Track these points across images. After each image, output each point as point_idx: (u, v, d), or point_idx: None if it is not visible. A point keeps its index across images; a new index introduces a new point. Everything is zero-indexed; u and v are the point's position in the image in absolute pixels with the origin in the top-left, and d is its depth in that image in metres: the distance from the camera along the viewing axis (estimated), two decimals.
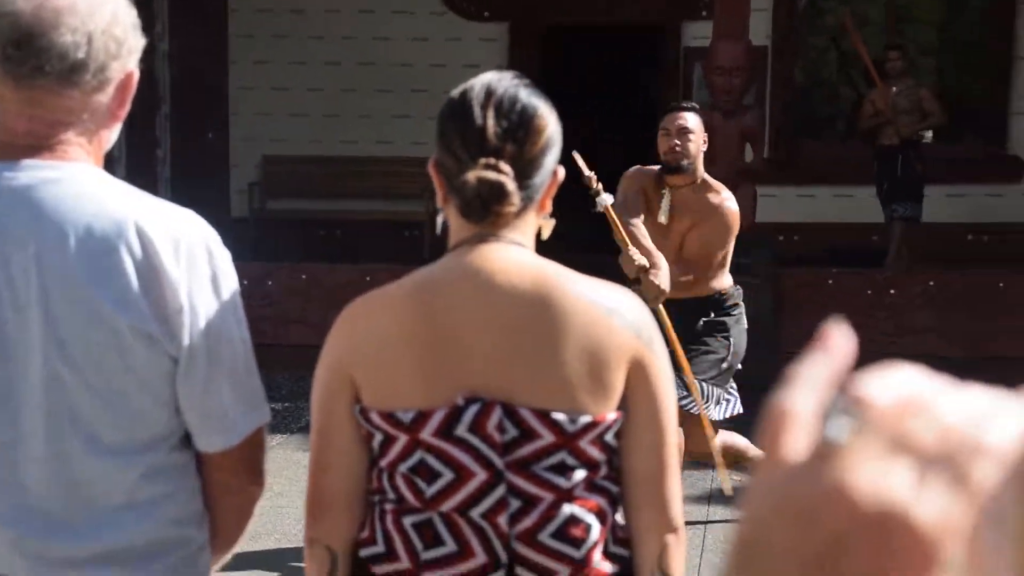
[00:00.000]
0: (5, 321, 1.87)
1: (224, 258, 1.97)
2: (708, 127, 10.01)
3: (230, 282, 1.97)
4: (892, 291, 10.09)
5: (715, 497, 6.60)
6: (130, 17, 1.94)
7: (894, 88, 10.75)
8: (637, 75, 13.51)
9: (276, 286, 9.99)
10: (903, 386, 0.58)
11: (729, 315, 5.89)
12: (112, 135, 1.99)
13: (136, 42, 1.95)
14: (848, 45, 11.83)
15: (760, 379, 10.88)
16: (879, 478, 0.55)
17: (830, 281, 10.18)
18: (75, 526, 1.92)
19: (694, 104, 6.06)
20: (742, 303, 6.04)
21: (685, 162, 5.71)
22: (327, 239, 12.22)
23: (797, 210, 12.03)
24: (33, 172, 1.88)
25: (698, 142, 5.79)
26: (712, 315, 5.84)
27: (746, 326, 5.98)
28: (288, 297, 9.88)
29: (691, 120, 5.76)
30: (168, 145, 11.96)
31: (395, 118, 12.32)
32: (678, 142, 5.71)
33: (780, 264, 10.35)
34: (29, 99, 1.88)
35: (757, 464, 0.59)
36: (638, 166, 5.92)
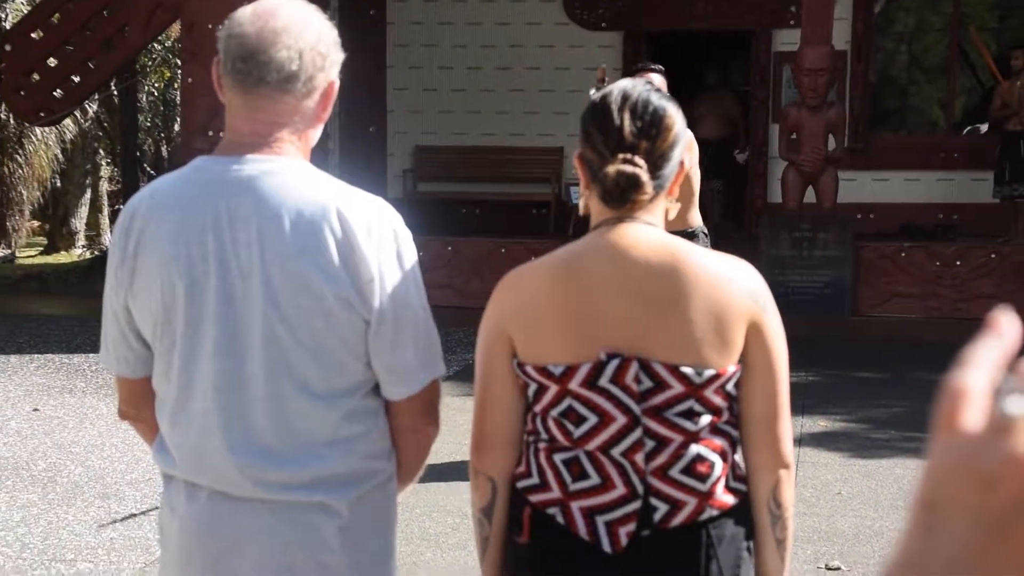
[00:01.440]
0: (233, 286, 1.91)
1: (407, 238, 1.99)
2: (797, 121, 9.91)
3: (412, 257, 1.99)
4: (958, 263, 9.84)
5: (805, 439, 6.52)
6: (332, 35, 1.97)
7: (1018, 82, 10.46)
8: (732, 75, 13.32)
9: (426, 256, 10.02)
10: None
11: None
12: (316, 134, 2.02)
13: (337, 56, 1.98)
14: (973, 48, 11.61)
15: (842, 337, 10.77)
16: None
17: (903, 254, 9.96)
18: (289, 457, 1.95)
19: (660, 66, 5.95)
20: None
21: None
22: (468, 216, 12.29)
23: (873, 192, 11.79)
24: (255, 165, 1.92)
25: None
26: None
27: None
28: (436, 265, 9.97)
29: (656, 80, 5.65)
30: (337, 138, 12.11)
31: (526, 114, 12.32)
32: None
33: (859, 238, 10.14)
34: (252, 105, 1.92)
35: (937, 435, 0.58)
36: None
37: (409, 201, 12.38)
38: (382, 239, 1.94)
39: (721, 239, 10.29)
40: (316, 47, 1.92)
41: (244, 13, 1.92)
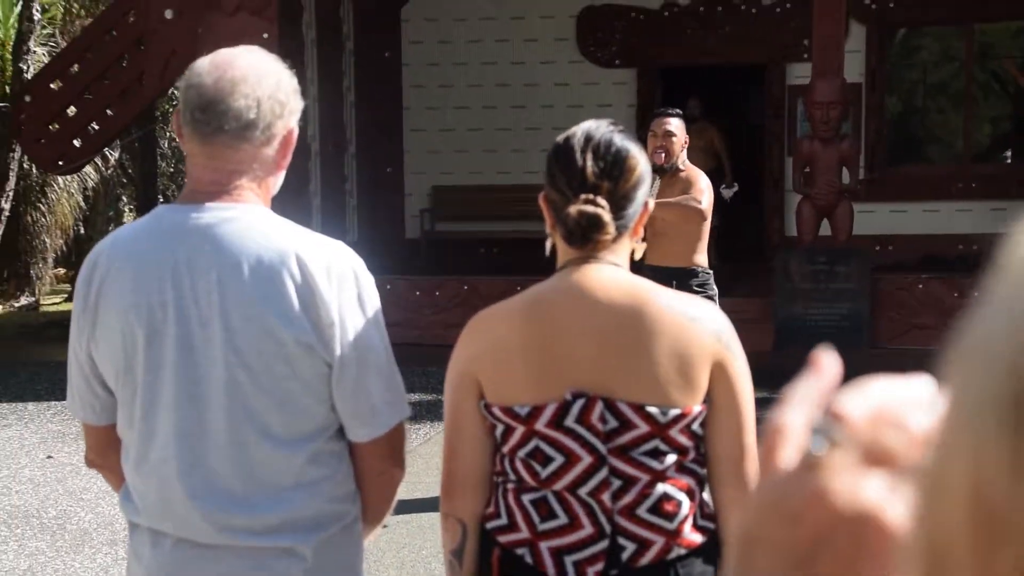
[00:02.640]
0: (192, 334, 1.93)
1: (368, 281, 2.00)
2: (810, 153, 9.89)
3: (373, 300, 2.00)
4: (976, 294, 9.76)
5: None
6: (292, 84, 1.99)
7: None
8: (747, 108, 13.34)
9: (443, 296, 10.10)
10: (878, 400, 0.58)
11: (703, 293, 5.71)
12: (277, 182, 2.03)
13: (296, 104, 1.99)
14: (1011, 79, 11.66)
15: (860, 369, 10.78)
16: (855, 485, 0.55)
17: (920, 285, 9.90)
18: (253, 502, 1.96)
19: (679, 111, 6.10)
20: (714, 293, 5.87)
21: (667, 164, 5.83)
22: (486, 255, 12.31)
23: (890, 223, 11.75)
24: (214, 213, 1.94)
25: (680, 143, 5.89)
26: (687, 284, 5.66)
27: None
28: (453, 304, 9.98)
29: (674, 124, 5.89)
30: (354, 178, 12.19)
31: (542, 152, 12.18)
32: (663, 143, 5.84)
33: (877, 270, 10.09)
34: (211, 153, 1.94)
35: (759, 473, 0.60)
36: None
37: (427, 241, 12.43)
38: (342, 282, 1.95)
39: (737, 274, 10.30)
40: (275, 95, 1.94)
41: (203, 63, 1.95)
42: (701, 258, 5.96)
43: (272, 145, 1.96)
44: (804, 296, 9.84)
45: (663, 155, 5.84)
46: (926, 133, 12.89)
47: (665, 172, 5.82)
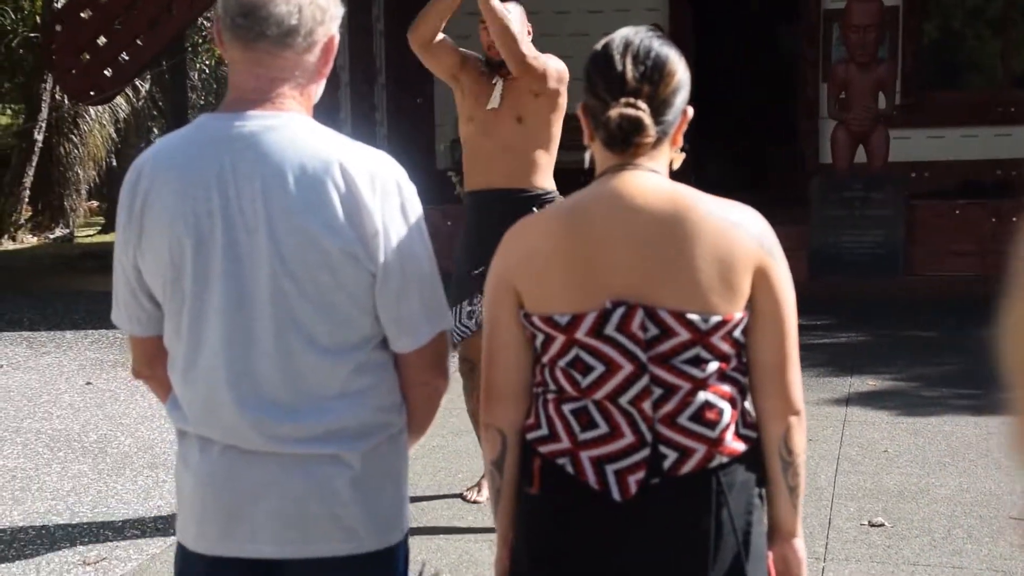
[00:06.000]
0: (239, 243, 1.94)
1: (411, 191, 2.00)
2: (845, 79, 9.77)
3: (416, 210, 2.00)
4: (1014, 218, 9.67)
5: (852, 399, 6.48)
6: None
7: None
8: (781, 34, 13.16)
9: None
10: None
11: None
12: (318, 89, 2.03)
13: (337, 10, 1.99)
14: None
15: (895, 297, 10.65)
16: None
17: (957, 211, 9.81)
18: (299, 410, 1.98)
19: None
20: None
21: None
22: None
23: (927, 150, 11.61)
24: (258, 121, 1.94)
25: (522, 31, 4.67)
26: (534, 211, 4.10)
27: None
28: None
29: (513, 8, 4.66)
30: (384, 108, 12.15)
31: (573, 80, 12.23)
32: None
33: (912, 197, 10.00)
34: (254, 59, 1.94)
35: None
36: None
37: (457, 171, 12.40)
38: (386, 192, 1.95)
39: (771, 202, 10.20)
40: (316, 1, 1.94)
41: None
42: (542, 179, 4.77)
43: (314, 52, 1.96)
44: (839, 224, 9.78)
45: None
46: (964, 58, 12.68)
47: (503, 66, 4.67)
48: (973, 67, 12.61)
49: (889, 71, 9.89)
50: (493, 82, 4.79)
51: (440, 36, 4.78)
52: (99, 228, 17.79)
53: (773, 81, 12.81)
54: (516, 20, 4.67)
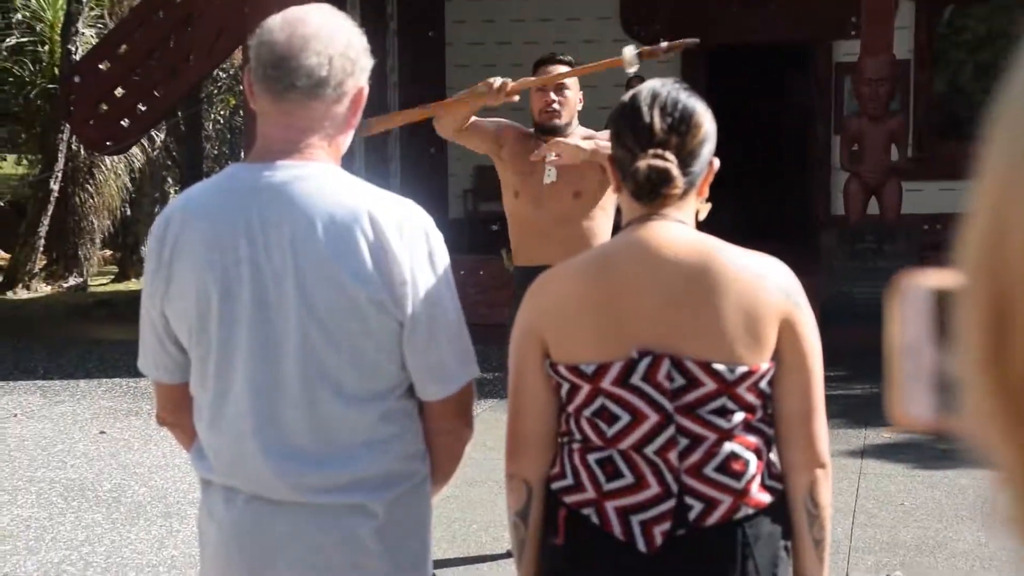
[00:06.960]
0: (267, 291, 1.94)
1: (438, 239, 2.01)
2: (858, 131, 9.81)
3: (444, 258, 2.01)
4: None
5: (868, 451, 6.44)
6: (361, 42, 2.00)
7: None
8: (792, 87, 13.24)
9: (486, 275, 10.12)
10: None
11: None
12: (346, 140, 2.04)
13: (366, 62, 2.00)
14: None
15: None
16: None
17: None
18: (325, 460, 1.97)
19: (569, 58, 4.63)
20: None
21: (558, 122, 4.51)
22: None
23: (940, 202, 11.62)
24: (286, 171, 1.95)
25: (576, 97, 4.56)
26: None
27: None
28: (496, 284, 9.99)
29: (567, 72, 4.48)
30: (398, 158, 12.22)
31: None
32: (555, 98, 4.49)
33: (925, 249, 10.00)
34: (283, 111, 1.95)
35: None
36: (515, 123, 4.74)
37: (470, 221, 12.44)
38: (414, 241, 1.96)
39: (782, 253, 10.19)
40: (346, 53, 1.95)
41: (275, 20, 1.96)
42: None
43: (343, 103, 1.97)
44: (851, 275, 9.78)
45: (556, 110, 4.50)
46: (974, 110, 12.74)
47: (554, 133, 4.47)
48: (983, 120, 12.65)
49: (901, 124, 9.92)
50: (545, 157, 4.43)
51: (471, 119, 4.55)
52: (112, 277, 17.86)
53: (785, 132, 12.86)
54: (572, 85, 4.56)
